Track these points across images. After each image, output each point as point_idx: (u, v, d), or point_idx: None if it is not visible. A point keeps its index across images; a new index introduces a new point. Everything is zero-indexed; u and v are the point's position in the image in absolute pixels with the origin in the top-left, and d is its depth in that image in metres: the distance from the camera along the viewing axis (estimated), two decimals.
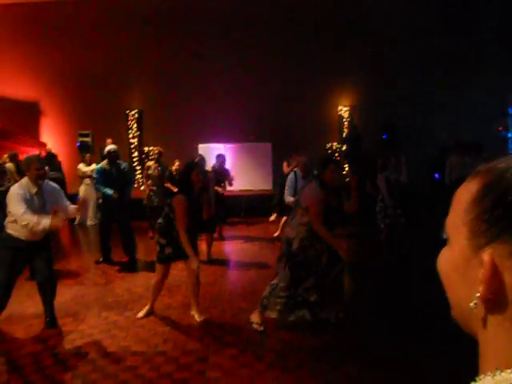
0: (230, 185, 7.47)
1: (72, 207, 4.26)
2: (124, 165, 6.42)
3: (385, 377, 3.21)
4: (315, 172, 4.39)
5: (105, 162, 6.29)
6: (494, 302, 0.51)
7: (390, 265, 6.16)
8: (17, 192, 3.84)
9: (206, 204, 4.54)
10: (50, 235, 4.21)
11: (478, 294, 0.51)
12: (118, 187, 6.11)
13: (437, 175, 9.74)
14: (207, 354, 3.60)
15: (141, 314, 4.38)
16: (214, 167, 7.20)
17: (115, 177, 6.18)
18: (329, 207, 3.88)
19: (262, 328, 3.99)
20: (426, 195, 8.78)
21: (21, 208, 3.75)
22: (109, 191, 6.09)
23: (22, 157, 9.98)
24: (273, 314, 4.02)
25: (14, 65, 12.27)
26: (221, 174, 7.15)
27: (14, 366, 3.47)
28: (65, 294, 5.10)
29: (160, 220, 4.26)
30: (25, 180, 3.97)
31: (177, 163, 8.37)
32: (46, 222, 3.74)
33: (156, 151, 8.11)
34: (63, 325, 4.26)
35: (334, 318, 4.01)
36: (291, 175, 6.05)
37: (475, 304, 0.52)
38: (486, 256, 0.51)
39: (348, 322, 4.08)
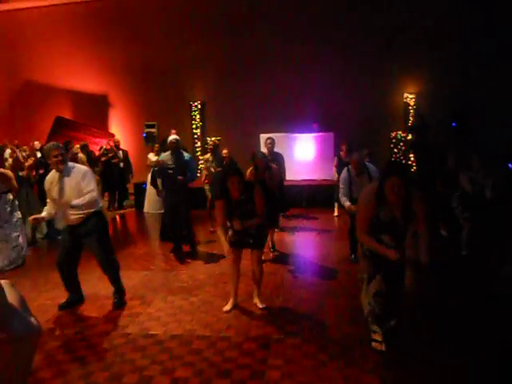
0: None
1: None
2: (187, 156, 6.50)
3: (449, 373, 3.08)
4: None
5: (168, 152, 6.44)
6: None
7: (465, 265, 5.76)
8: (45, 181, 4.40)
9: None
10: (96, 221, 4.38)
11: None
12: (175, 176, 6.18)
13: (510, 165, 9.12)
14: (269, 341, 3.62)
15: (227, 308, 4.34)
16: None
17: (174, 166, 6.23)
18: (379, 220, 3.29)
19: (381, 347, 3.44)
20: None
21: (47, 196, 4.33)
22: (158, 185, 6.66)
23: (92, 147, 10.56)
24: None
25: (85, 60, 12.95)
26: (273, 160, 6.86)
27: (88, 344, 3.69)
28: (133, 278, 5.35)
29: None
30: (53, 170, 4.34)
31: (225, 151, 8.41)
32: (44, 213, 4.35)
33: (211, 143, 8.17)
34: (132, 307, 4.48)
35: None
36: (344, 174, 5.60)
37: None
38: None
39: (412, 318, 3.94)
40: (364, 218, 3.36)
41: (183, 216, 6.40)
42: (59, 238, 4.57)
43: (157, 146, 10.26)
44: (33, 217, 4.38)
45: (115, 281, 4.58)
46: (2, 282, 0.37)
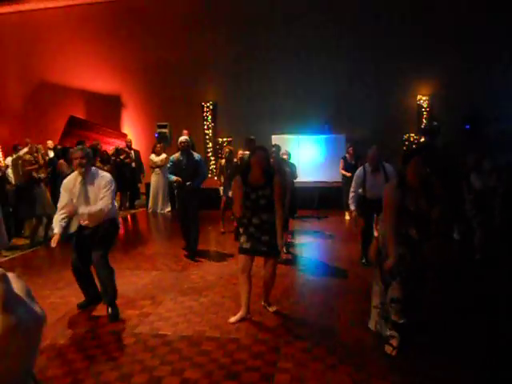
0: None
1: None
2: (197, 156, 6.55)
3: (459, 378, 3.04)
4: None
5: (178, 153, 6.49)
6: None
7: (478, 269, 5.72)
8: (63, 183, 4.30)
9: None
10: (108, 226, 4.33)
11: None
12: (186, 177, 6.24)
13: None
14: (279, 344, 3.61)
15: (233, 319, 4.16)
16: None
17: (185, 167, 6.29)
18: (407, 210, 3.38)
19: (393, 353, 3.42)
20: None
21: (61, 198, 4.27)
22: (172, 177, 6.33)
23: (104, 147, 10.65)
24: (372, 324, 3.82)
25: (98, 61, 13.06)
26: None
27: (99, 344, 3.71)
28: (144, 278, 5.38)
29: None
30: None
31: (240, 152, 8.45)
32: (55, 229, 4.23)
33: (227, 150, 8.20)
34: (142, 306, 4.50)
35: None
36: (359, 171, 5.54)
37: None
38: None
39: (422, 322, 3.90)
40: (391, 210, 3.41)
41: (191, 214, 6.44)
42: (73, 238, 4.48)
43: (158, 146, 10.35)
44: (54, 242, 4.16)
45: (109, 283, 4.30)
46: (8, 273, 0.38)
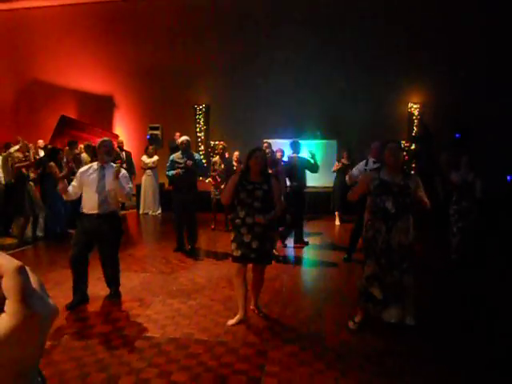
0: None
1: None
2: (197, 156, 6.63)
3: None
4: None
5: (178, 153, 6.52)
6: None
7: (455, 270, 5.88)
8: (80, 171, 4.61)
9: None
10: (116, 219, 4.66)
11: None
12: (186, 176, 6.30)
13: (509, 178, 9.15)
14: (266, 348, 3.63)
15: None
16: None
17: (184, 166, 6.33)
18: (383, 181, 3.70)
19: (353, 327, 3.96)
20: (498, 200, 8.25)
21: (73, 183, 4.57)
22: (171, 172, 6.34)
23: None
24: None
25: (91, 61, 13.02)
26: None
27: (86, 345, 3.70)
28: (132, 280, 5.36)
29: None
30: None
31: (236, 153, 8.53)
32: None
33: (220, 146, 8.25)
34: (130, 308, 4.48)
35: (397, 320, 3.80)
36: (361, 164, 5.71)
37: None
38: None
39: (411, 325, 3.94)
40: (363, 181, 3.92)
41: (189, 216, 6.51)
42: (73, 235, 4.60)
43: (150, 148, 10.35)
44: (61, 187, 4.41)
45: (116, 276, 4.78)
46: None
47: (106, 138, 4.79)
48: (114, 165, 4.61)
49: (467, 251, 6.05)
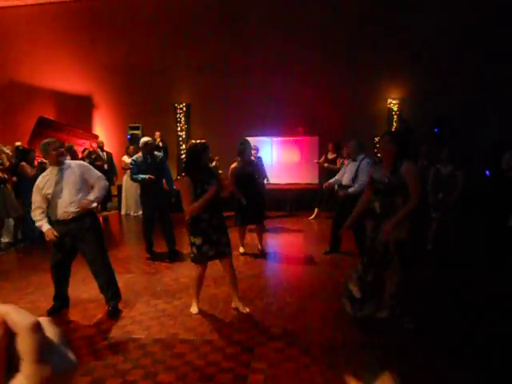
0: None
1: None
2: (160, 156, 6.49)
3: (436, 377, 3.13)
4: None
5: (140, 153, 6.38)
6: None
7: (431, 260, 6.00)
8: (36, 185, 4.12)
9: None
10: (92, 219, 4.27)
11: None
12: (158, 179, 6.20)
13: (488, 172, 9.30)
14: (252, 345, 3.63)
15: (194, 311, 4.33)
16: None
17: (150, 168, 6.19)
18: (375, 181, 3.78)
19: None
20: (478, 194, 8.40)
21: (34, 199, 4.11)
22: (142, 176, 6.12)
23: (76, 148, 10.44)
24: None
25: (69, 60, 12.82)
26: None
27: (70, 348, 3.63)
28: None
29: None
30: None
31: (217, 158, 8.54)
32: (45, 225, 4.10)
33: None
34: None
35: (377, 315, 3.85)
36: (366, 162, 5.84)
37: None
38: None
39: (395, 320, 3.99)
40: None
41: (165, 219, 6.38)
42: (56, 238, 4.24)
43: (131, 147, 10.23)
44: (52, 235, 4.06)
45: (112, 284, 4.36)
46: (40, 319, 0.37)
47: (52, 139, 4.32)
48: (72, 162, 4.26)
49: (442, 242, 6.28)
